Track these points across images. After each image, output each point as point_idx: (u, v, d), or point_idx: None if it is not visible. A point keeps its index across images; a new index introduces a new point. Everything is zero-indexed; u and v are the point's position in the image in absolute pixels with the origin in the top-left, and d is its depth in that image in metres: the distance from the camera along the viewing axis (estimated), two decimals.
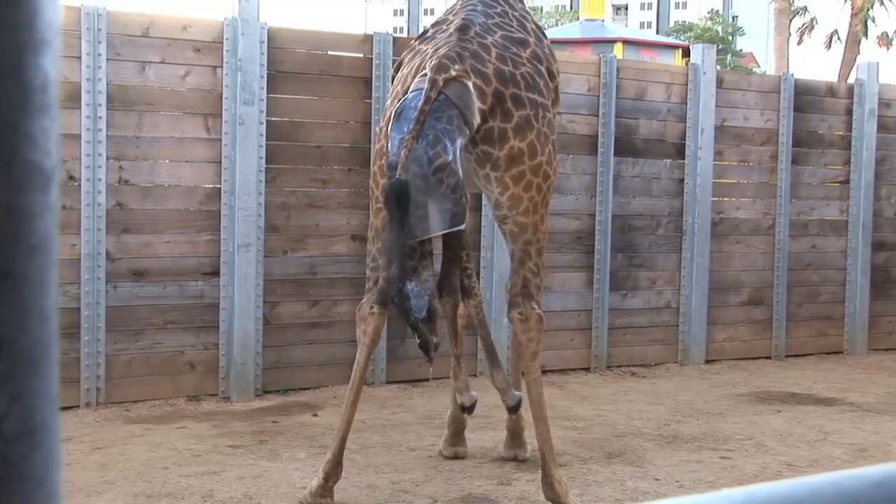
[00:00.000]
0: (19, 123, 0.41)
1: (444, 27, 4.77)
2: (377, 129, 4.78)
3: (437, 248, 4.97)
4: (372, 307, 4.69)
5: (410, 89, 4.36)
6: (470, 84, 4.32)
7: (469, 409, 5.11)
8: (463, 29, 4.55)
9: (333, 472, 4.63)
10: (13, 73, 0.41)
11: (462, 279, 5.16)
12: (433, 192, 4.08)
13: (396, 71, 4.99)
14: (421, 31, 5.29)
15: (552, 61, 4.98)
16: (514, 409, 5.19)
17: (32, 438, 0.42)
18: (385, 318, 4.72)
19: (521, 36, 4.79)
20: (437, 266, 5.04)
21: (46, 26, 0.40)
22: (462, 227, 4.36)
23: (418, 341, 4.37)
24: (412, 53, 4.77)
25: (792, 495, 0.55)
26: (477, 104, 4.32)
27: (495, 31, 4.68)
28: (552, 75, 4.91)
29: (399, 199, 4.00)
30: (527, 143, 4.45)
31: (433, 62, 4.30)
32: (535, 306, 4.56)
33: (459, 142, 4.20)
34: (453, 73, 4.28)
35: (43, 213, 0.42)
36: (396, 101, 4.54)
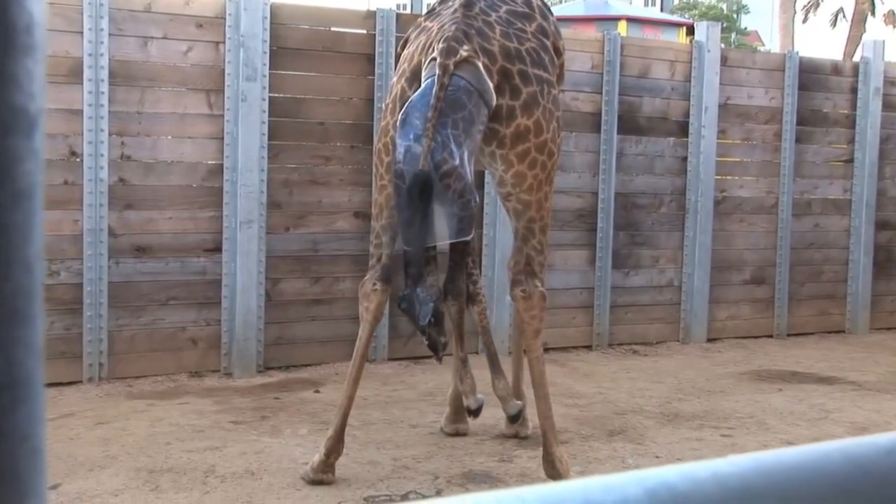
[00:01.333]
0: (3, 64, 0.40)
1: (450, 3, 4.73)
2: (381, 105, 4.76)
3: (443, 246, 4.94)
4: (375, 284, 4.69)
5: (423, 78, 4.31)
6: (480, 64, 4.28)
7: (475, 412, 5.11)
8: (467, 5, 4.51)
9: (335, 448, 4.64)
10: None
11: (467, 285, 5.14)
12: (440, 198, 4.04)
13: (402, 48, 4.95)
14: (427, 7, 5.25)
15: (558, 38, 4.94)
16: (514, 419, 5.18)
17: (16, 391, 0.41)
18: (388, 294, 4.72)
19: (526, 11, 4.76)
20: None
21: None
22: (469, 237, 4.34)
23: (426, 342, 4.36)
24: (418, 30, 4.74)
25: (799, 461, 0.54)
26: (490, 83, 4.29)
27: (500, 6, 4.65)
28: (558, 52, 4.87)
29: (422, 192, 3.96)
30: (533, 120, 4.42)
31: (441, 46, 4.25)
32: (539, 284, 4.55)
33: (467, 145, 4.13)
34: (463, 54, 4.24)
35: (27, 157, 0.41)
36: (402, 78, 4.51)
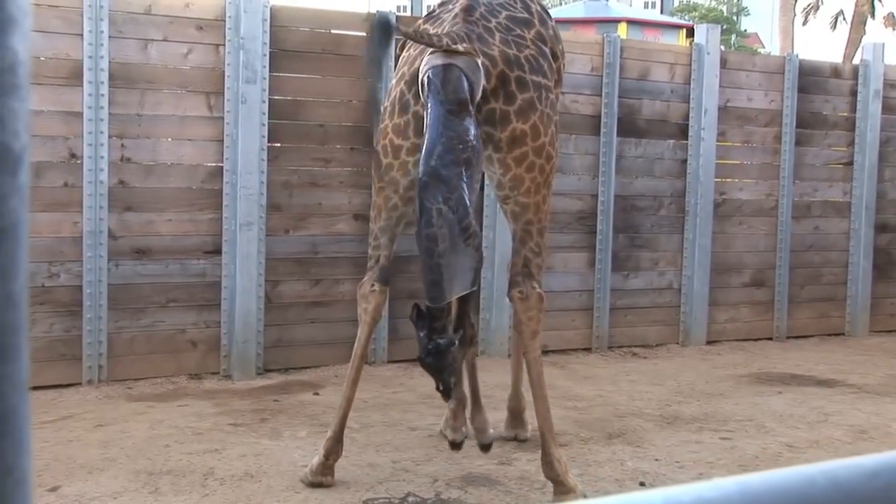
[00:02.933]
0: None
1: (450, 7, 4.74)
2: (381, 108, 4.75)
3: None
4: (373, 285, 4.70)
5: (421, 72, 4.30)
6: (479, 62, 4.29)
7: (458, 445, 5.05)
8: (468, 10, 4.51)
9: (334, 449, 4.65)
10: None
11: (465, 327, 5.14)
12: (461, 254, 4.04)
13: (400, 50, 4.96)
14: (427, 9, 5.24)
15: (556, 42, 4.96)
16: (485, 448, 5.13)
17: (1, 425, 0.41)
18: (386, 296, 4.74)
19: (525, 17, 4.76)
20: None
21: (15, 5, 0.39)
22: (475, 287, 4.39)
23: (441, 389, 4.33)
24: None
25: (785, 485, 0.54)
26: (482, 82, 4.30)
27: (500, 12, 4.65)
28: (556, 56, 4.88)
29: (384, 32, 4.03)
30: (530, 124, 4.43)
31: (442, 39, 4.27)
32: (536, 286, 4.56)
33: (473, 188, 4.15)
34: (461, 48, 4.24)
35: (11, 195, 0.41)
36: (402, 81, 4.51)
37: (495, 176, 4.52)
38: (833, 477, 0.56)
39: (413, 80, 4.45)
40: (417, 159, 4.24)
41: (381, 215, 4.69)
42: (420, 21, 4.96)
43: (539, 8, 4.99)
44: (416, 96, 4.39)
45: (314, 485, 4.60)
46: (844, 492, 0.55)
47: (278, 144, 6.82)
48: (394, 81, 4.69)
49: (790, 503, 0.54)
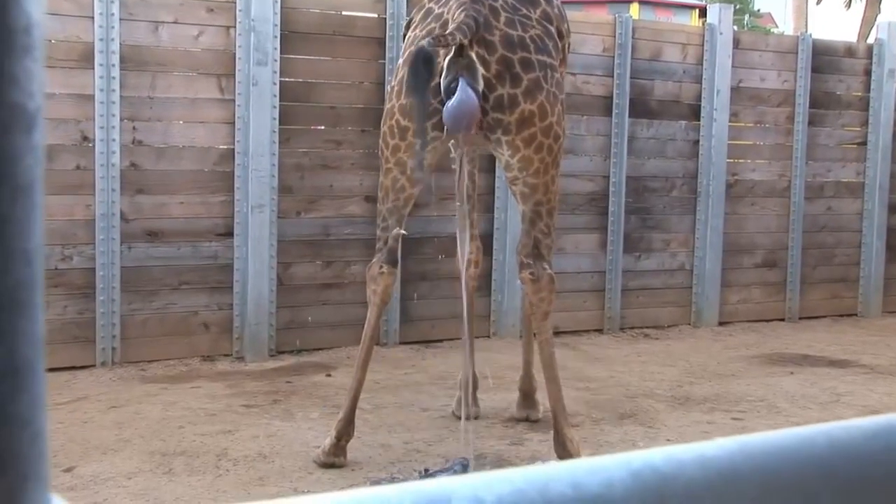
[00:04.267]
0: (3, 65, 0.41)
1: None
2: (388, 88, 4.75)
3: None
4: (381, 267, 4.71)
5: (443, 81, 4.31)
6: (472, 54, 4.30)
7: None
8: None
9: (345, 430, 4.67)
10: None
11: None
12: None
13: (406, 29, 4.95)
14: None
15: (562, 21, 4.94)
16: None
17: (17, 379, 0.42)
18: (395, 277, 4.75)
19: None
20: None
21: None
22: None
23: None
24: (423, 12, 4.73)
25: (783, 445, 0.55)
26: (480, 71, 4.31)
27: None
28: (561, 35, 4.87)
29: (426, 62, 4.12)
30: (537, 104, 4.43)
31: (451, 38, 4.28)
32: (547, 266, 4.56)
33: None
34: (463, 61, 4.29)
35: (26, 154, 0.42)
36: (409, 62, 4.51)
37: (503, 157, 4.51)
38: (832, 437, 0.56)
39: None
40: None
41: (389, 196, 4.70)
42: (425, 0, 4.93)
43: None
44: None
45: (326, 465, 4.63)
46: (842, 452, 0.56)
47: (289, 126, 6.83)
48: (400, 62, 4.69)
49: (790, 461, 0.55)
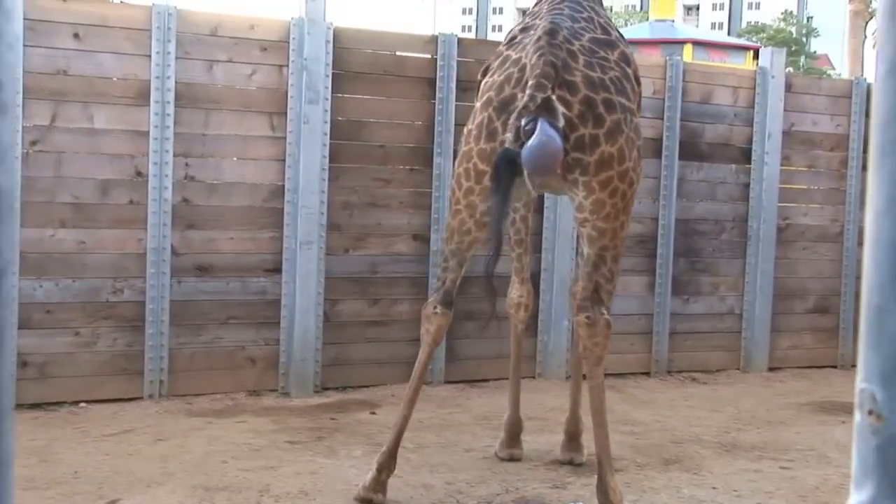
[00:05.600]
0: None
1: (531, 31, 4.69)
2: (465, 130, 4.72)
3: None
4: (436, 307, 4.71)
5: (522, 126, 4.27)
6: (553, 96, 4.27)
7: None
8: (551, 34, 4.44)
9: (387, 464, 4.65)
10: None
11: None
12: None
13: (483, 76, 4.90)
14: (492, 29, 5.22)
15: (636, 66, 4.92)
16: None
17: None
18: (449, 318, 4.74)
19: (608, 38, 4.73)
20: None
21: None
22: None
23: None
24: (500, 59, 4.71)
25: None
26: (561, 110, 4.27)
27: (583, 34, 4.60)
28: (637, 80, 4.85)
29: (508, 167, 4.15)
30: (616, 147, 4.40)
31: (532, 83, 4.27)
32: (605, 311, 4.52)
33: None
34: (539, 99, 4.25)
35: None
36: (490, 107, 4.48)
37: (577, 198, 4.47)
38: None
39: (503, 106, 4.42)
40: None
41: (454, 238, 4.70)
42: (501, 47, 4.92)
43: (618, 34, 4.96)
44: (504, 125, 4.38)
45: (365, 501, 4.61)
46: None
47: (339, 164, 6.89)
48: (479, 105, 4.64)
49: None
